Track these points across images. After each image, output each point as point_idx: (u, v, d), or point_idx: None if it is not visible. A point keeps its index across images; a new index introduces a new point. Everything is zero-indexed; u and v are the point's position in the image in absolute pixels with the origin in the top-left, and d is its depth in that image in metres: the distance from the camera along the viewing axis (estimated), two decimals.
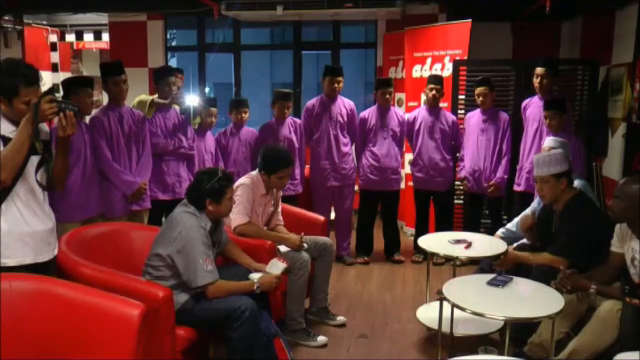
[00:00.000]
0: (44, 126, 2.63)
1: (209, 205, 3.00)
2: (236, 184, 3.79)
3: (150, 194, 4.25)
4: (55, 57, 7.90)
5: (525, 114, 4.90)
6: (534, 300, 2.96)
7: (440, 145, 5.19)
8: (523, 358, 2.72)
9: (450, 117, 5.28)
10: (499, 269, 3.30)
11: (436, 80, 5.18)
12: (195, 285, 2.85)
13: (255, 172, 3.83)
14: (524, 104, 4.96)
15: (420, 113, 5.30)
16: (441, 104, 5.31)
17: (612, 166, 5.50)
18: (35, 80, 2.52)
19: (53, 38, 7.91)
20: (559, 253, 3.27)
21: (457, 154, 5.30)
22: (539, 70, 4.69)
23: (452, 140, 5.27)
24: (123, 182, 3.97)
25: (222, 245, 3.29)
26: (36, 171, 2.54)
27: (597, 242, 3.21)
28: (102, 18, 7.69)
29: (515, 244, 3.71)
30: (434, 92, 5.13)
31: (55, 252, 2.72)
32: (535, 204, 3.97)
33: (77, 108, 2.53)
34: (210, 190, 2.97)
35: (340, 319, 3.98)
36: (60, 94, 3.56)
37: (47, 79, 7.46)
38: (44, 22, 7.88)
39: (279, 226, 3.94)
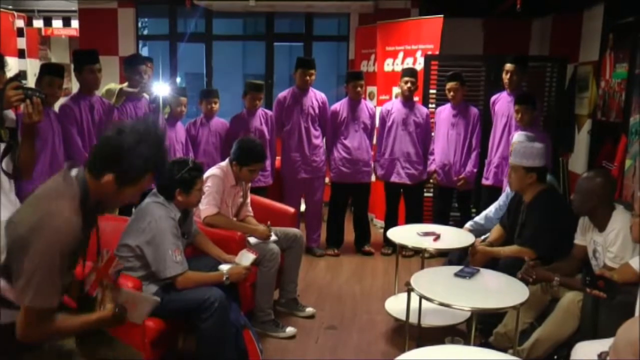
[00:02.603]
0: (10, 113, 2.58)
1: (178, 196, 2.98)
2: (206, 174, 3.76)
3: None
4: (22, 43, 7.70)
5: (494, 109, 4.97)
6: (499, 291, 3.02)
7: (414, 137, 5.23)
8: (488, 348, 2.77)
9: (424, 110, 5.32)
10: (473, 266, 3.35)
11: (411, 73, 5.21)
12: (164, 276, 2.84)
13: (225, 163, 3.81)
14: (492, 99, 5.04)
15: (395, 106, 5.33)
16: (414, 98, 5.35)
17: (578, 161, 5.63)
18: (0, 65, 2.47)
19: (20, 23, 7.70)
20: (526, 244, 3.35)
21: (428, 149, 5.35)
22: (508, 66, 4.78)
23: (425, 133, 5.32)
24: None
25: (192, 236, 3.27)
26: (1, 159, 2.49)
27: (563, 235, 3.28)
28: (72, 4, 7.53)
29: (482, 237, 3.78)
30: (409, 84, 5.16)
31: None
32: (502, 198, 4.04)
33: (44, 95, 2.48)
34: (180, 180, 2.97)
35: (310, 310, 4.00)
36: (26, 81, 3.49)
37: (14, 65, 7.28)
38: (10, 7, 7.68)
39: (248, 217, 3.94)
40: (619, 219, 2.89)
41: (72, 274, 1.93)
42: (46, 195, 1.82)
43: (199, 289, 2.87)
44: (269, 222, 3.76)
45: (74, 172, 1.87)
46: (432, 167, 5.29)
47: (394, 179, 5.29)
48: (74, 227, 1.73)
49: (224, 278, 2.99)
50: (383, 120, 5.35)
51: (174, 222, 2.93)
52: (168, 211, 2.94)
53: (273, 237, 3.70)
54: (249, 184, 3.99)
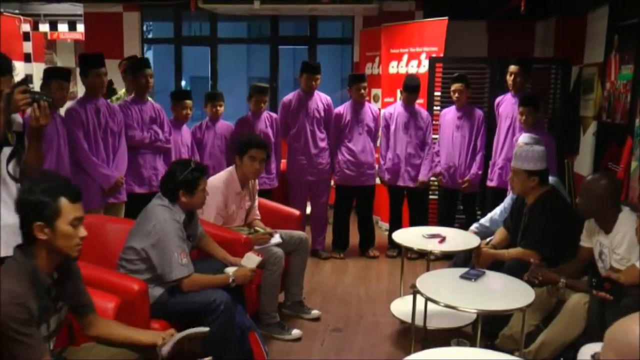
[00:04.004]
0: (17, 117, 2.59)
1: (182, 197, 2.98)
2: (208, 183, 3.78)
3: (127, 187, 4.22)
4: (28, 47, 7.74)
5: (498, 110, 4.97)
6: (505, 293, 3.02)
7: (416, 140, 5.23)
8: (494, 350, 2.76)
9: (425, 113, 5.32)
10: (478, 268, 3.34)
11: (409, 89, 5.14)
12: (170, 279, 2.84)
13: (231, 168, 3.82)
14: (497, 100, 5.04)
15: (397, 109, 5.33)
16: (417, 101, 5.35)
17: (583, 163, 5.62)
18: (8, 69, 2.48)
19: (26, 28, 7.75)
20: (529, 247, 3.34)
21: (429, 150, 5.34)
22: (512, 68, 4.78)
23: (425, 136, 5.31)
24: (101, 175, 3.94)
25: (198, 238, 3.28)
26: (7, 163, 2.50)
27: (566, 237, 3.28)
28: (77, 8, 7.57)
29: (487, 239, 3.77)
30: (410, 98, 5.19)
31: None
32: (507, 200, 4.04)
33: (51, 99, 2.49)
34: (183, 182, 2.96)
35: (315, 312, 4.00)
36: (32, 85, 3.51)
37: (20, 69, 7.32)
38: (17, 11, 7.73)
39: (255, 220, 3.95)
40: (625, 221, 2.88)
41: (47, 328, 2.02)
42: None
43: (205, 291, 2.88)
44: (271, 229, 3.79)
45: (25, 250, 2.00)
46: (437, 169, 5.29)
47: (399, 182, 5.29)
48: (15, 295, 1.85)
49: (230, 280, 3.00)
50: (386, 123, 5.35)
51: (178, 224, 2.93)
52: (173, 214, 2.94)
53: (278, 240, 3.71)
54: (256, 187, 4.00)
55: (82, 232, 2.04)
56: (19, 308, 1.84)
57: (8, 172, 2.50)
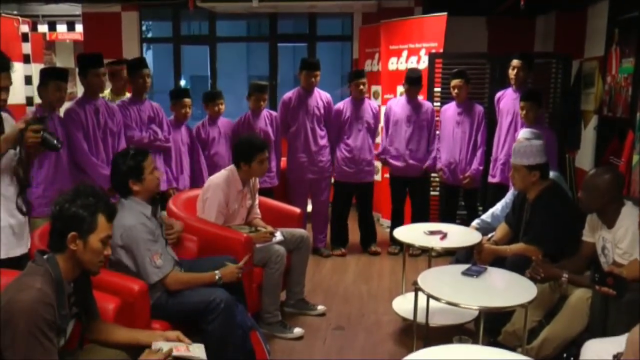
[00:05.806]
0: (9, 118, 2.62)
1: (133, 186, 2.87)
2: (208, 182, 3.76)
3: None
4: (27, 48, 7.72)
5: (499, 106, 4.94)
6: (507, 289, 3.01)
7: (419, 134, 5.21)
8: (497, 347, 2.75)
9: (429, 105, 5.31)
10: (480, 264, 3.33)
11: (411, 81, 5.14)
12: (150, 282, 2.78)
13: (231, 167, 3.80)
14: (497, 95, 5.00)
15: (399, 102, 5.32)
16: (418, 96, 5.33)
17: (585, 158, 5.60)
18: (5, 67, 2.49)
19: (24, 29, 7.73)
20: (532, 242, 3.33)
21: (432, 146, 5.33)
22: (515, 62, 4.74)
23: (430, 129, 5.30)
24: (101, 176, 3.91)
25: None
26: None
27: (568, 232, 3.26)
28: (76, 9, 7.56)
29: (489, 235, 3.76)
30: (411, 91, 5.18)
31: (28, 246, 2.68)
32: (509, 195, 4.02)
33: (60, 146, 2.58)
34: (128, 170, 2.86)
35: (321, 307, 4.01)
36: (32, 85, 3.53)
37: (19, 70, 7.31)
38: (15, 12, 7.72)
39: (256, 219, 3.93)
40: (628, 215, 2.86)
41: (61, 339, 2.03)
42: (21, 275, 2.00)
43: (204, 290, 2.86)
44: (275, 228, 3.78)
45: (45, 256, 2.01)
46: (438, 165, 5.27)
47: (400, 173, 5.28)
48: (47, 296, 1.87)
49: (216, 278, 2.95)
50: (387, 116, 5.34)
51: (144, 227, 2.83)
52: (136, 214, 2.85)
53: (279, 238, 3.69)
54: (257, 186, 3.98)
55: (108, 250, 2.09)
56: (49, 309, 1.85)
57: (17, 176, 2.53)
